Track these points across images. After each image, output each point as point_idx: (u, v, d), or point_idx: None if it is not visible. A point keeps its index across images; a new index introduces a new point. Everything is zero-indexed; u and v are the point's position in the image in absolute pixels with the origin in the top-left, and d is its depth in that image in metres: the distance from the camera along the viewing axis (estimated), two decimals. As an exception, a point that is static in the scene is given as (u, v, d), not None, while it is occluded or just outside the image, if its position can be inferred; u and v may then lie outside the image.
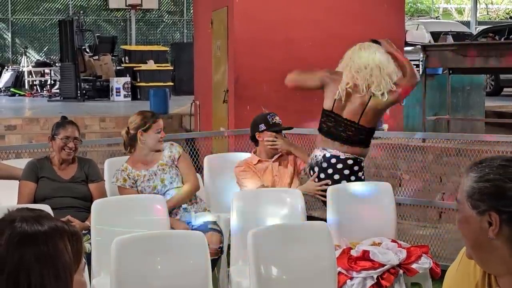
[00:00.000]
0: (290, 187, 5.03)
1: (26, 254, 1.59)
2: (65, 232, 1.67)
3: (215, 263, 4.50)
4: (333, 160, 4.74)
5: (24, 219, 1.64)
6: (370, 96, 4.67)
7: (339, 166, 4.73)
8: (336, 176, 4.72)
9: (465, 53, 8.60)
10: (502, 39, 14.26)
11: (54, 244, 1.62)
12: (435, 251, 5.49)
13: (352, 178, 4.74)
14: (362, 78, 4.65)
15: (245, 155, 5.40)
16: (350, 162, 4.74)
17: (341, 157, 4.74)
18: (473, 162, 1.91)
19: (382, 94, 4.66)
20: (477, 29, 23.36)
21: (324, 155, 4.76)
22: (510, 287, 1.86)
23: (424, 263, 4.30)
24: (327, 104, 4.82)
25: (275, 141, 5.04)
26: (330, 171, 4.74)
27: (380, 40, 4.91)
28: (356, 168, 4.76)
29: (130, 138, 4.96)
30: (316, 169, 4.79)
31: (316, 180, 4.79)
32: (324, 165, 4.76)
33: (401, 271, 4.19)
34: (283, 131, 5.19)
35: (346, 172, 4.73)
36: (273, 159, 5.11)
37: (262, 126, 5.09)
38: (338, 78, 4.75)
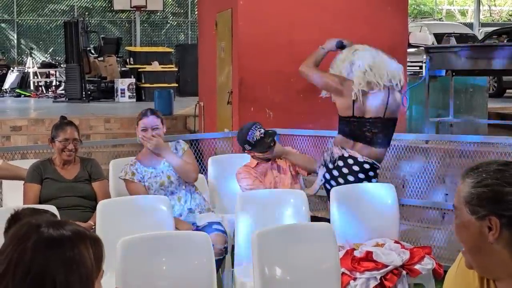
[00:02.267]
0: (291, 187, 5.05)
1: (52, 258, 1.61)
2: (87, 238, 1.69)
3: (219, 263, 4.50)
4: (350, 161, 4.74)
5: (50, 224, 1.66)
6: (388, 88, 4.72)
7: (355, 168, 4.73)
8: (351, 178, 4.72)
9: (468, 55, 8.61)
10: (505, 41, 14.26)
11: (78, 250, 1.65)
12: (438, 252, 5.49)
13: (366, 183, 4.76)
14: (374, 73, 4.69)
15: (248, 157, 5.40)
16: (366, 166, 4.74)
17: (359, 159, 4.73)
18: (468, 168, 1.90)
19: (396, 84, 4.74)
20: (480, 30, 23.34)
21: (343, 154, 4.76)
22: None
23: (427, 264, 4.31)
24: (346, 112, 4.80)
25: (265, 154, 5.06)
26: (345, 170, 4.74)
27: (345, 43, 5.20)
28: (371, 173, 4.76)
29: None
30: (331, 165, 4.79)
31: (323, 179, 4.81)
32: (340, 163, 4.75)
33: (404, 272, 4.19)
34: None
35: (361, 176, 4.73)
36: (271, 161, 5.13)
37: (247, 147, 5.09)
38: (348, 83, 4.76)
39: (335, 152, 4.80)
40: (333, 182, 4.77)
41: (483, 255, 1.83)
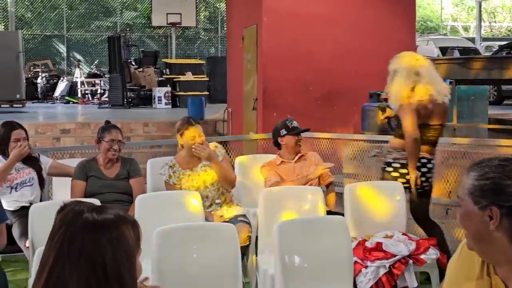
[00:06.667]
0: (311, 185, 5.02)
1: (100, 239, 1.62)
2: (127, 220, 1.70)
3: (244, 250, 4.48)
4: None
5: (92, 209, 1.68)
6: None
7: None
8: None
9: (470, 66, 8.54)
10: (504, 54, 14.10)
11: (121, 230, 1.66)
12: (442, 244, 5.43)
13: None
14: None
15: (271, 156, 5.40)
16: None
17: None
18: (472, 163, 1.88)
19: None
20: (482, 44, 23.11)
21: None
22: (507, 275, 1.84)
23: (431, 254, 4.27)
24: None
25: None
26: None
27: None
28: None
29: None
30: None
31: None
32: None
33: (410, 261, 4.16)
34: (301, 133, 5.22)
35: None
36: (294, 160, 5.12)
37: (283, 131, 5.12)
38: None
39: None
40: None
41: (484, 242, 1.82)
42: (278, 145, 5.21)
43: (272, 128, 5.31)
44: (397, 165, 4.70)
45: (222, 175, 4.77)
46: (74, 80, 19.95)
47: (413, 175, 4.62)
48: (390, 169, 4.74)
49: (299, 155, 5.16)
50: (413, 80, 4.62)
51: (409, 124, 4.57)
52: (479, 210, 1.80)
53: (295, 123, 5.17)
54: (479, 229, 1.81)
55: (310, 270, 3.63)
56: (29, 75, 19.97)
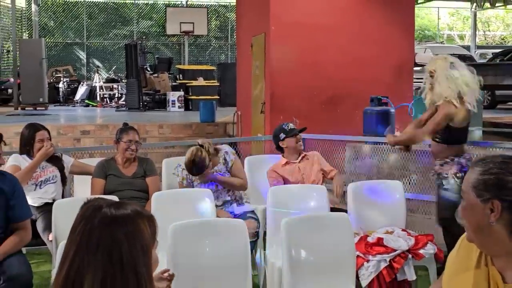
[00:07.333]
0: (316, 183, 5.02)
1: (117, 232, 1.63)
2: (143, 215, 1.71)
3: (253, 245, 4.49)
4: None
5: (110, 205, 1.68)
6: None
7: None
8: None
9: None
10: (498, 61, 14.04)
11: (137, 224, 1.66)
12: (439, 239, 5.41)
13: None
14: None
15: (278, 157, 5.40)
16: None
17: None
18: (477, 159, 1.89)
19: None
20: (476, 52, 23.04)
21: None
22: (504, 266, 1.85)
23: (429, 249, 4.26)
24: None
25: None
26: None
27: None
28: None
29: None
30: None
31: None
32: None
33: (410, 256, 4.15)
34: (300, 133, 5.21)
35: None
36: (298, 160, 5.12)
37: (282, 135, 5.10)
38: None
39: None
40: None
41: (484, 234, 1.83)
42: (280, 149, 5.21)
43: (272, 135, 5.28)
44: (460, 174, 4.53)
45: (227, 186, 4.79)
46: (93, 85, 20.01)
47: (392, 139, 4.73)
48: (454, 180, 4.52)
49: (302, 155, 5.16)
50: (456, 84, 4.52)
51: (437, 125, 4.51)
52: (481, 203, 1.81)
53: (291, 125, 5.14)
54: (480, 221, 1.82)
55: (315, 263, 3.63)
56: (52, 80, 20.03)
